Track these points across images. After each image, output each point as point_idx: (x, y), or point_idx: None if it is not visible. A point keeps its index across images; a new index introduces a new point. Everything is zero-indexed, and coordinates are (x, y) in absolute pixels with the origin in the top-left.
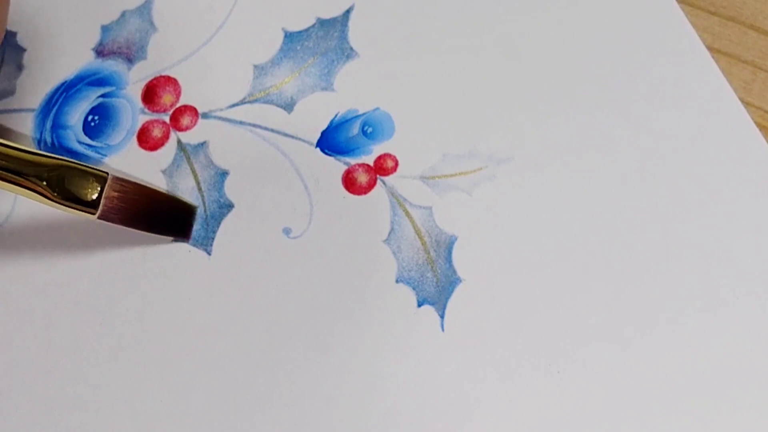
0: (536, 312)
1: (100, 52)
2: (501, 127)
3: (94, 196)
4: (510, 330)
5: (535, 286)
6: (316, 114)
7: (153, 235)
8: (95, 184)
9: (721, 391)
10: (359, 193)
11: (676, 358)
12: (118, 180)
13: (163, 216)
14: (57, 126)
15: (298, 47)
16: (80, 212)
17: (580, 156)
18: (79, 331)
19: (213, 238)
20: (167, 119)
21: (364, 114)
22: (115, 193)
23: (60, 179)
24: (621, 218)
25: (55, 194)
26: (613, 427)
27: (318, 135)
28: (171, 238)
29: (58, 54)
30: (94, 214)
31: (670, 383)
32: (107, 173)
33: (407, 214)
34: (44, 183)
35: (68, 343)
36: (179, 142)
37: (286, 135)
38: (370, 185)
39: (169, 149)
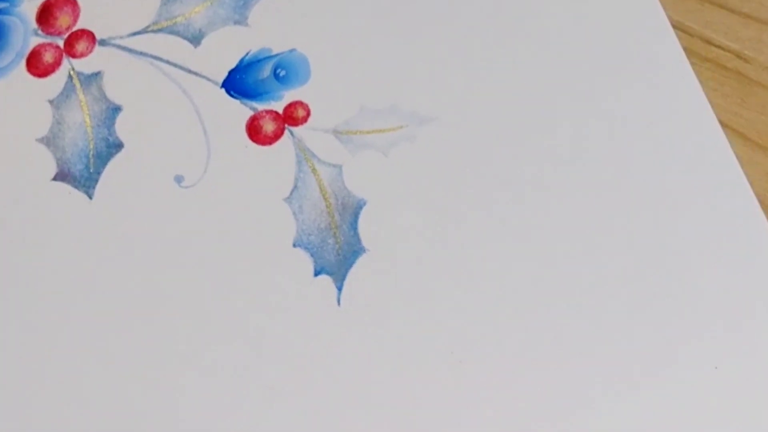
0: (444, 293)
1: None
2: (427, 83)
3: None
4: (413, 311)
5: (447, 264)
6: (225, 50)
7: (27, 174)
8: None
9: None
10: (263, 143)
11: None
12: None
13: None
14: None
15: None
16: None
17: (512, 121)
18: None
19: (97, 180)
20: (61, 43)
21: (278, 54)
22: None
23: None
24: (553, 190)
25: None
26: (515, 420)
27: (225, 74)
28: (49, 177)
29: None
30: None
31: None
32: None
33: (314, 170)
34: None
35: None
36: (72, 70)
37: (189, 71)
38: (277, 135)
39: (60, 77)
